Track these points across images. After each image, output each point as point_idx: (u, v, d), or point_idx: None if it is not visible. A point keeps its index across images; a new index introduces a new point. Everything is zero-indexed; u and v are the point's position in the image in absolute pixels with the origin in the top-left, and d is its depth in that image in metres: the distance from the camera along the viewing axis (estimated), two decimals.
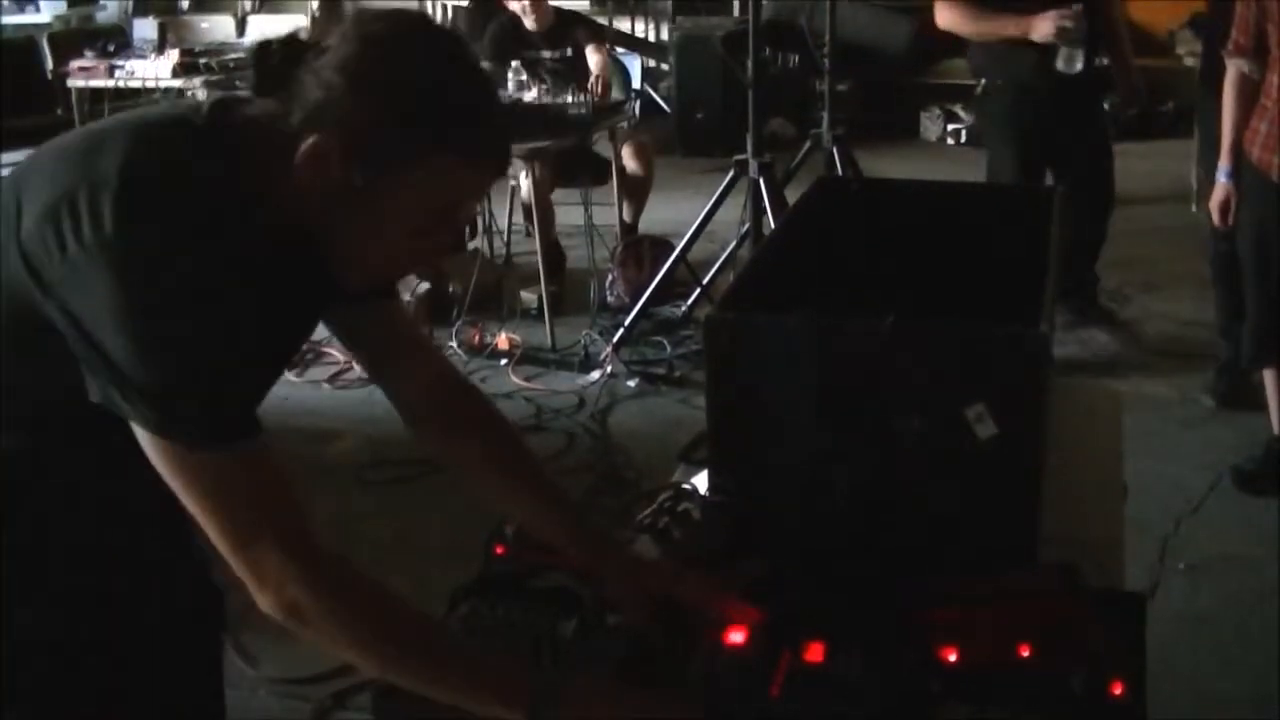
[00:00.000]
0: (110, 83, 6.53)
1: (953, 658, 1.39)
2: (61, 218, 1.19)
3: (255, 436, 1.24)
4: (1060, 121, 4.55)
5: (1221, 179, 3.63)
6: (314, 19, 8.76)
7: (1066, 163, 4.62)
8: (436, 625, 1.37)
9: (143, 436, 1.21)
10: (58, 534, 1.39)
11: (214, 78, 6.53)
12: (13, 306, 1.24)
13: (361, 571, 1.27)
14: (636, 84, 6.92)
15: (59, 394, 1.26)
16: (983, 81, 4.76)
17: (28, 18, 8.37)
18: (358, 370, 4.62)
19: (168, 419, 1.20)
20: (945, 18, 4.58)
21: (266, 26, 8.56)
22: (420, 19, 1.37)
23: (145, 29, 7.91)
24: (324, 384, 4.61)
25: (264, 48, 1.28)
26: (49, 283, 1.20)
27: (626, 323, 4.83)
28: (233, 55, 6.88)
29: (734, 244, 5.02)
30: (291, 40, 1.28)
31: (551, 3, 5.67)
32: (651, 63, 8.71)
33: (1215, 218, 3.68)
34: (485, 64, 5.53)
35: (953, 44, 6.90)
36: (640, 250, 5.32)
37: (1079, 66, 4.39)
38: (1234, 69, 3.53)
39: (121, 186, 1.19)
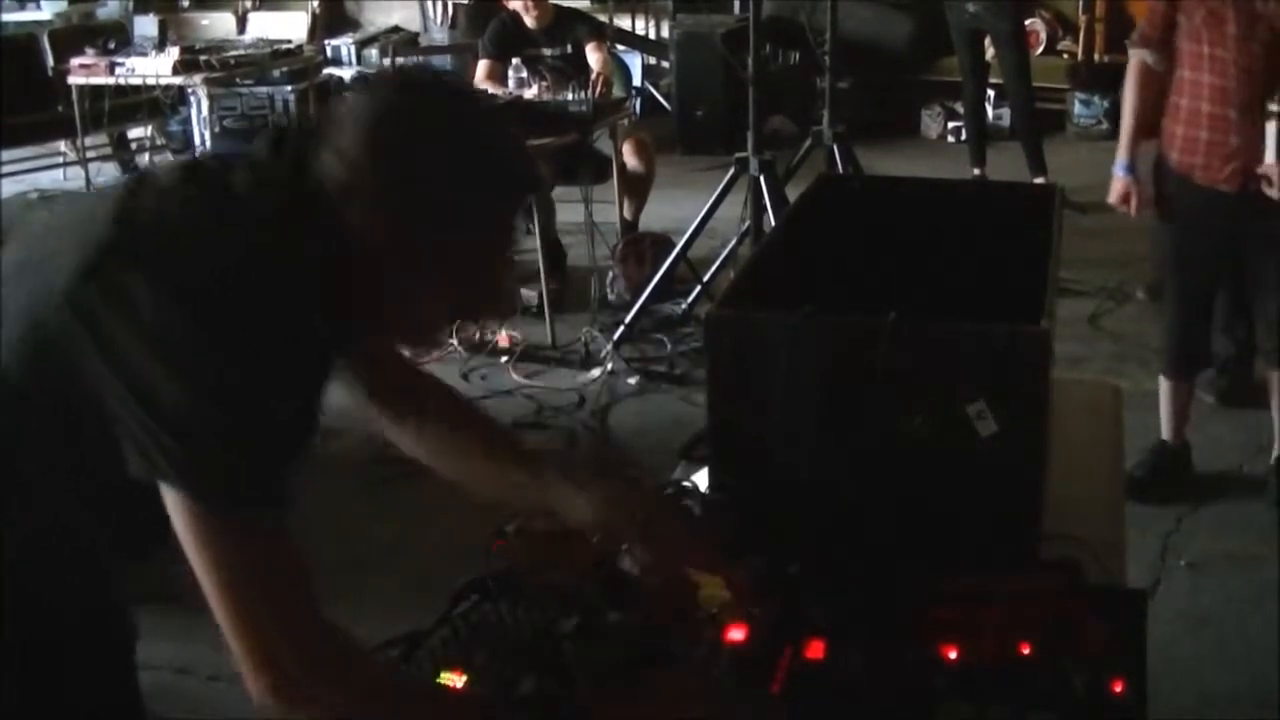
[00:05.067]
0: (111, 80, 6.51)
1: (954, 655, 1.39)
2: (113, 272, 1.18)
3: (286, 511, 1.22)
4: None
5: (1118, 173, 3.49)
6: (314, 16, 8.77)
7: None
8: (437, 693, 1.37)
9: (176, 506, 1.19)
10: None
11: (215, 74, 6.53)
12: (49, 380, 1.22)
13: (360, 652, 1.27)
14: (637, 81, 6.91)
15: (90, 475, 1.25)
16: None
17: (28, 15, 8.38)
18: None
19: (209, 478, 1.18)
20: None
21: (267, 23, 8.56)
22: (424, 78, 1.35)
23: (146, 26, 7.92)
24: None
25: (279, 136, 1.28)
26: (104, 340, 1.18)
27: (627, 320, 4.82)
28: (233, 52, 6.87)
29: (734, 241, 5.01)
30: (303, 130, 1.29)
31: (552, 0, 5.67)
32: (652, 60, 8.70)
33: (1124, 210, 3.52)
34: (485, 61, 5.55)
35: (951, 42, 6.93)
36: (641, 247, 5.32)
37: None
38: (1136, 59, 3.46)
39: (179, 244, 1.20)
